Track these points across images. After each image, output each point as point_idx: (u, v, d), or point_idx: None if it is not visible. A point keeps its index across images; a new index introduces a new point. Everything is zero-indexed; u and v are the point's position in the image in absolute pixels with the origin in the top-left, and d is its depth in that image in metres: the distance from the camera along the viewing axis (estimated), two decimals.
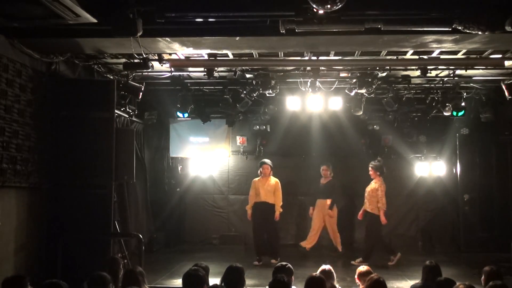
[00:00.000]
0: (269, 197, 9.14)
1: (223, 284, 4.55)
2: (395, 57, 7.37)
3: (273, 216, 9.10)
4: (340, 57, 7.41)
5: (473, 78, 8.56)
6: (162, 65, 7.38)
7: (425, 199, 11.46)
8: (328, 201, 9.72)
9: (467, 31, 5.43)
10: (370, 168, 9.30)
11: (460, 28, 5.44)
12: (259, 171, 9.43)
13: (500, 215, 10.47)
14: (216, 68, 7.83)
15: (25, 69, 6.29)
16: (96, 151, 6.86)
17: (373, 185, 9.21)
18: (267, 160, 9.48)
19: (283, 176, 9.89)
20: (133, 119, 9.39)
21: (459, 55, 7.19)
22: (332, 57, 7.36)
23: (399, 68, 8.11)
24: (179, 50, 6.67)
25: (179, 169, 11.61)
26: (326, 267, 5.10)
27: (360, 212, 9.38)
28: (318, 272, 4.86)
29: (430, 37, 6.08)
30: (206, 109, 10.06)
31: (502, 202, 10.53)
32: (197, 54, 7.15)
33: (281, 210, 9.20)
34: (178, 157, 11.49)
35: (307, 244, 9.83)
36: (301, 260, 9.26)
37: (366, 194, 9.26)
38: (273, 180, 9.31)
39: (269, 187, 9.19)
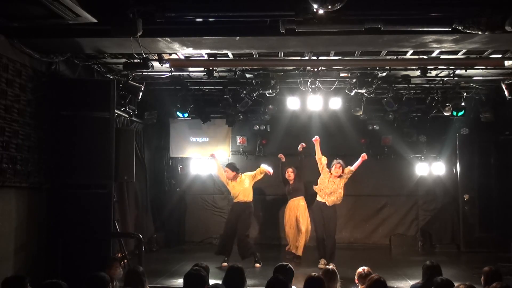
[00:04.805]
0: (246, 195, 8.91)
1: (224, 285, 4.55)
2: (395, 57, 7.37)
3: (247, 214, 8.82)
4: (340, 57, 7.42)
5: (473, 78, 8.57)
6: (162, 65, 7.38)
7: (425, 199, 11.47)
8: (302, 199, 9.36)
9: (467, 31, 5.45)
10: (339, 165, 8.75)
11: (460, 28, 5.46)
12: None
13: (500, 215, 10.47)
14: (216, 68, 7.84)
15: (25, 69, 6.29)
16: (96, 151, 6.85)
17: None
18: (230, 163, 9.30)
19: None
20: (133, 119, 9.38)
21: (459, 55, 7.20)
22: (332, 57, 7.37)
23: (399, 68, 8.12)
24: (179, 50, 6.67)
25: (179, 169, 11.60)
26: (330, 267, 5.07)
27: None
28: (320, 273, 4.83)
29: (430, 37, 6.08)
30: (206, 109, 10.07)
31: (501, 202, 10.53)
32: (197, 54, 7.16)
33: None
34: (178, 157, 11.49)
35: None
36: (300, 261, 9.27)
37: (330, 191, 8.77)
38: (244, 176, 9.02)
39: (246, 185, 8.92)
